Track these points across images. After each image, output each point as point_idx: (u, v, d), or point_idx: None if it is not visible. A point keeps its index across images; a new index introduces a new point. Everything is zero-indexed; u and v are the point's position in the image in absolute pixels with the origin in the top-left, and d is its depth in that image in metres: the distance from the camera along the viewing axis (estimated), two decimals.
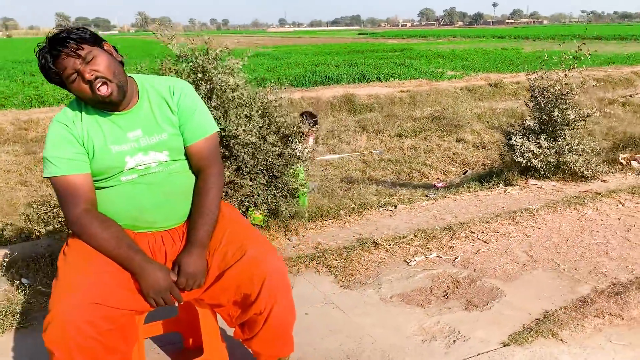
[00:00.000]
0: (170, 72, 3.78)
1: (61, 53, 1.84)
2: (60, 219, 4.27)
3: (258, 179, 4.46)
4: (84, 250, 1.90)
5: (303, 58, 25.40)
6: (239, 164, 4.32)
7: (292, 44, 43.39)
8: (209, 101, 3.74)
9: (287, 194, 4.59)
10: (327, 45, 39.94)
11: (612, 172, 5.61)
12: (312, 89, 15.29)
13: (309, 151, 4.73)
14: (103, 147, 1.96)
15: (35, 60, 1.92)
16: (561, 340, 2.56)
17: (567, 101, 5.29)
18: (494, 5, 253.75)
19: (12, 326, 2.80)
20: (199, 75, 3.75)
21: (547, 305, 2.92)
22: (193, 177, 2.10)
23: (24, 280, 3.23)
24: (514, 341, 2.57)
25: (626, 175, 5.60)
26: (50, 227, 4.18)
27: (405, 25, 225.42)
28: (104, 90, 1.88)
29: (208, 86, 3.78)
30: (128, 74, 2.04)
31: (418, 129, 10.40)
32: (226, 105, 3.83)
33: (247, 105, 4.10)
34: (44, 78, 1.94)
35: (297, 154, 4.71)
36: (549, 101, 5.38)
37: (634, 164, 5.88)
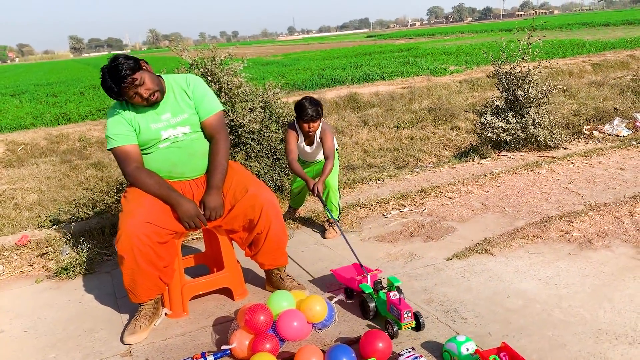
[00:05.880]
0: None
1: (122, 85, 2.68)
2: (104, 202, 5.21)
3: (264, 162, 5.36)
4: (138, 192, 2.79)
5: (311, 63, 26.17)
6: (247, 150, 5.22)
7: (300, 51, 44.16)
8: (219, 97, 4.64)
9: (289, 172, 5.48)
10: (335, 50, 40.58)
11: (574, 141, 6.40)
12: (318, 90, 16.16)
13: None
14: (145, 126, 2.85)
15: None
16: (491, 254, 3.40)
17: (528, 81, 6.11)
18: None
19: (80, 273, 3.72)
20: (209, 78, 4.65)
21: (487, 234, 3.76)
22: (207, 143, 2.98)
23: (82, 246, 4.15)
24: (455, 257, 3.42)
25: (587, 143, 6.39)
26: (97, 209, 5.12)
27: (414, 25, 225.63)
28: (156, 98, 2.76)
29: (217, 86, 4.68)
30: (157, 74, 2.94)
31: (415, 120, 11.21)
32: (233, 100, 4.73)
33: (250, 99, 5.00)
34: (105, 94, 2.76)
35: None
36: (512, 82, 6.20)
37: (595, 133, 6.65)
